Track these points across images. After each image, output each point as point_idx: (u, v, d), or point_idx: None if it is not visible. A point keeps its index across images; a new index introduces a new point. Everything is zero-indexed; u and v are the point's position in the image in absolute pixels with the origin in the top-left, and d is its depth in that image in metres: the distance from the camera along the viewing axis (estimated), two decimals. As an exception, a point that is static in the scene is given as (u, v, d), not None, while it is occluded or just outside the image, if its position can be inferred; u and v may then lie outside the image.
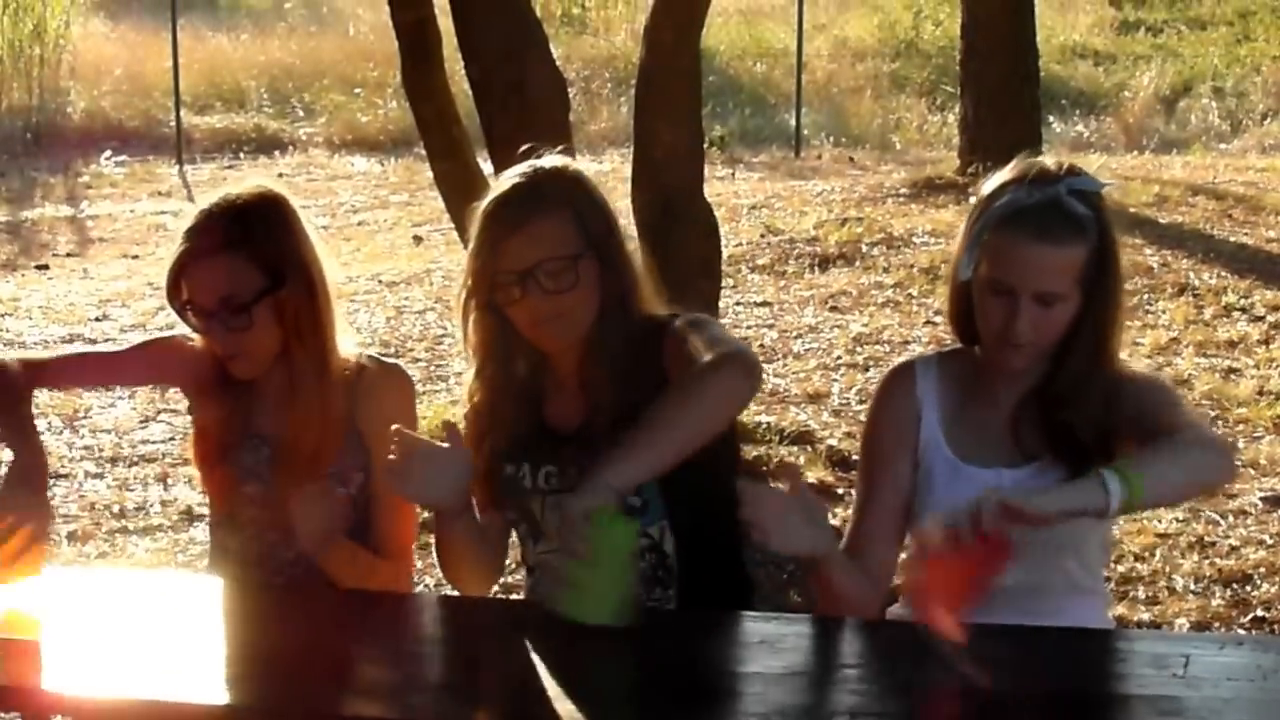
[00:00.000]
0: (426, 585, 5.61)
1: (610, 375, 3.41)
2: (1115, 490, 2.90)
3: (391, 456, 3.28)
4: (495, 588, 5.05)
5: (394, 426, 3.31)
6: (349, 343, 3.71)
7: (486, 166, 7.44)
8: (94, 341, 9.84)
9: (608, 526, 3.00)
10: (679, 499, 3.42)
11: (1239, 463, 3.16)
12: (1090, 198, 3.24)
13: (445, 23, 7.25)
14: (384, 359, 3.76)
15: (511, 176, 3.48)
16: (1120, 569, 6.21)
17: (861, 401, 8.13)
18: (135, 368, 3.95)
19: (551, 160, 3.54)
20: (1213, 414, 7.94)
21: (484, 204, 3.46)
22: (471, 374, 3.57)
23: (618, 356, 3.41)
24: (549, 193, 3.42)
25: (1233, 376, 8.54)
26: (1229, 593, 6.06)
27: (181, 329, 3.70)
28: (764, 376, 3.51)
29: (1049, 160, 3.33)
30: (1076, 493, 2.94)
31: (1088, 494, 2.92)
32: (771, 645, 3.04)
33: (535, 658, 2.99)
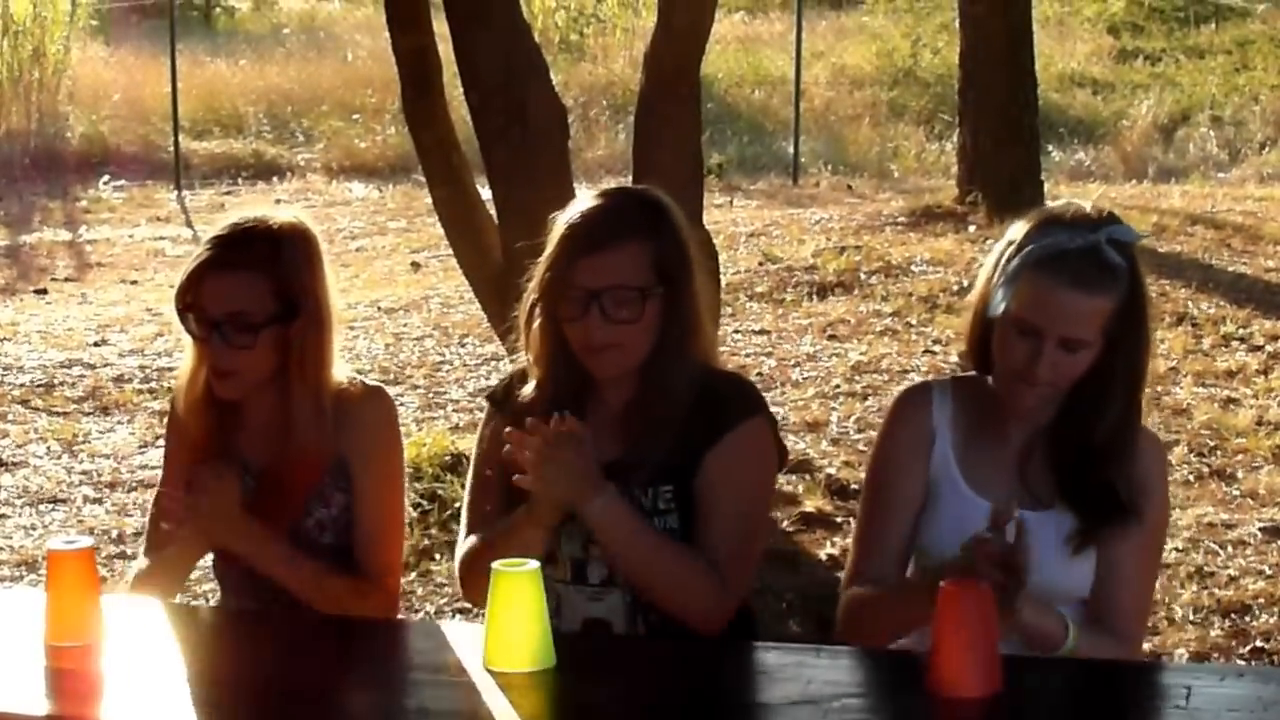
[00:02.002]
0: (426, 614, 5.60)
1: (660, 418, 3.41)
2: (1070, 640, 3.17)
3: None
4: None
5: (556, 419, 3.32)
6: (339, 370, 3.71)
7: (485, 193, 7.44)
8: (92, 367, 9.83)
9: (505, 580, 3.00)
10: (685, 533, 3.42)
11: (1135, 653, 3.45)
12: (1126, 248, 3.25)
13: (445, 49, 7.26)
14: (366, 381, 3.76)
15: (600, 195, 3.48)
16: (1119, 599, 6.19)
17: (860, 430, 8.13)
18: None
19: (643, 188, 3.55)
20: (1211, 444, 7.94)
21: (567, 215, 3.45)
22: (531, 385, 3.55)
23: (672, 401, 3.41)
24: (634, 220, 3.42)
25: (1231, 406, 8.53)
26: (1228, 623, 6.06)
27: (184, 338, 3.69)
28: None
29: (1086, 205, 3.34)
30: (1049, 621, 3.17)
31: (1055, 628, 3.18)
32: (772, 675, 3.04)
33: (535, 685, 2.98)
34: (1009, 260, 3.26)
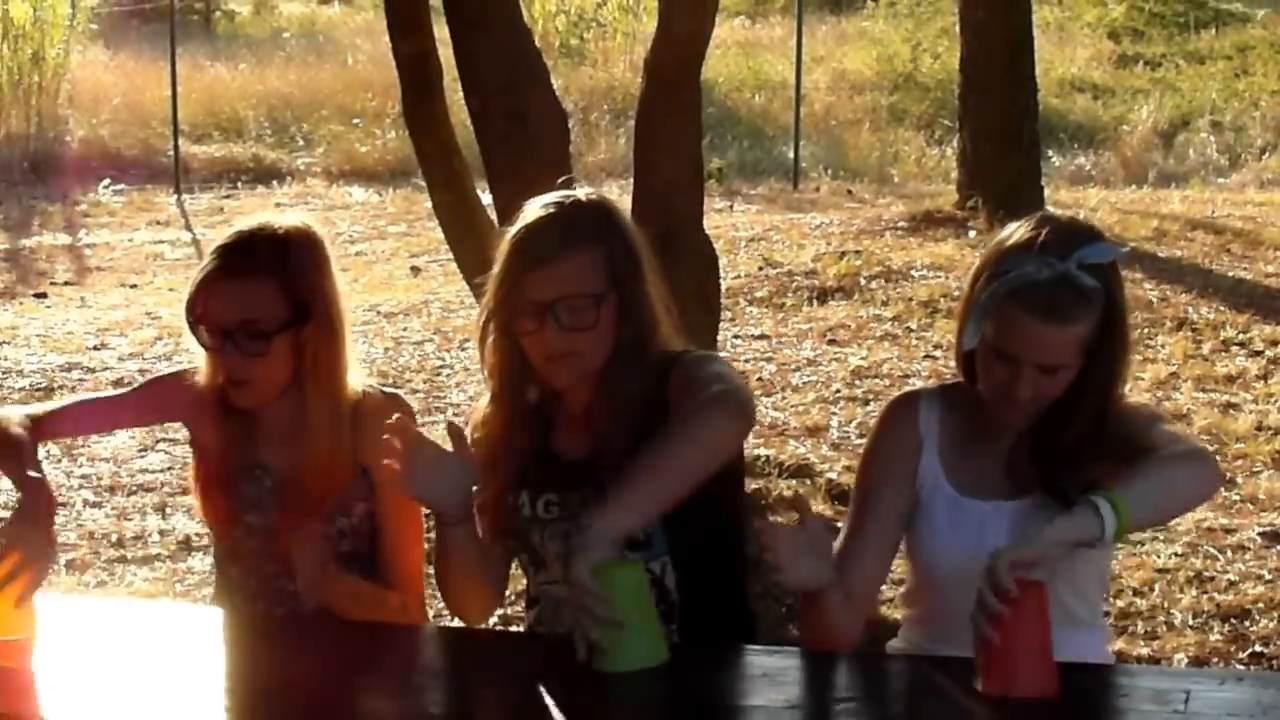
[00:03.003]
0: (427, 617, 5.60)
1: (619, 414, 3.39)
2: (1108, 517, 2.96)
3: (391, 458, 3.27)
4: (494, 618, 5.03)
5: (394, 417, 3.29)
6: (355, 376, 3.71)
7: (486, 198, 7.44)
8: (92, 370, 9.84)
9: (615, 578, 2.99)
10: (681, 534, 3.41)
11: (1224, 478, 3.22)
12: (1099, 268, 3.22)
13: (446, 54, 7.26)
14: (384, 388, 3.76)
15: (544, 205, 3.45)
16: (1119, 603, 6.20)
17: (861, 435, 8.11)
18: (136, 409, 3.93)
19: (586, 192, 3.52)
20: (1211, 449, 7.91)
21: (513, 229, 3.43)
22: (485, 400, 3.55)
23: (630, 398, 3.39)
24: (581, 227, 3.40)
25: (1231, 411, 8.53)
26: (1227, 628, 6.05)
27: (192, 349, 3.68)
28: (759, 411, 3.53)
29: (1063, 219, 3.32)
30: (1072, 525, 2.99)
31: (1083, 524, 2.98)
32: (773, 679, 3.04)
33: (536, 690, 2.98)
34: (979, 288, 3.24)
